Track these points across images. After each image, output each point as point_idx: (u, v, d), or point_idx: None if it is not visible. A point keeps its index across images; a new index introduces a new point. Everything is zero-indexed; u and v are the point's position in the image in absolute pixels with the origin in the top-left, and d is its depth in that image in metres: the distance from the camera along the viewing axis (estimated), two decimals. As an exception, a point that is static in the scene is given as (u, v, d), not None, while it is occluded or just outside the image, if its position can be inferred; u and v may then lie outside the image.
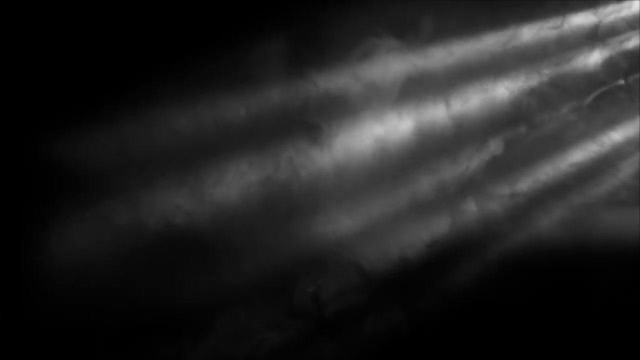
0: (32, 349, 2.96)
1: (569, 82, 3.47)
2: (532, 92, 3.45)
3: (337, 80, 3.25)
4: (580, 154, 3.46)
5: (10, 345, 2.95)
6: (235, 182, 3.18)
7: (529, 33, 3.42)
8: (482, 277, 3.34)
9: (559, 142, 3.47)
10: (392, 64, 3.30)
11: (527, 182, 3.43)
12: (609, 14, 3.49)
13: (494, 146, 3.41)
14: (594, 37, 3.49)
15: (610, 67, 3.51)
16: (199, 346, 3.10)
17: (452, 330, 3.28)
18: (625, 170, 3.48)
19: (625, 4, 3.49)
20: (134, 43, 3.10)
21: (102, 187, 3.07)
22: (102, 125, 3.08)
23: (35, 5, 3.04)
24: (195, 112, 3.15)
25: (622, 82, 3.50)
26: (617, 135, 3.49)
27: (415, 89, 3.34)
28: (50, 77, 3.06)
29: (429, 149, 3.33)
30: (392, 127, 3.30)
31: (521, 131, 3.45)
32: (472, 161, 3.38)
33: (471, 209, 3.37)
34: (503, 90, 3.42)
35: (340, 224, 3.25)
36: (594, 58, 3.49)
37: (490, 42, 3.40)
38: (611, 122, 3.47)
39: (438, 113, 3.34)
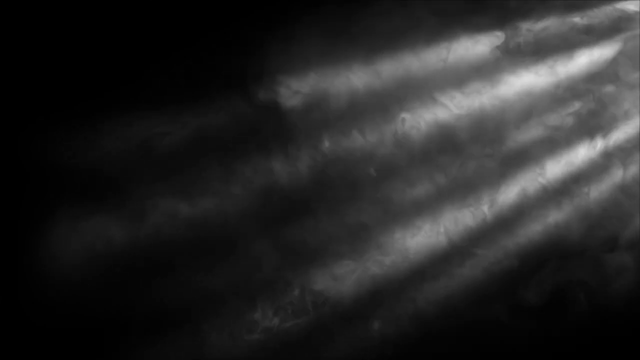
0: (32, 349, 2.97)
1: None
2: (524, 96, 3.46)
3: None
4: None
5: (10, 345, 2.96)
6: (236, 183, 3.19)
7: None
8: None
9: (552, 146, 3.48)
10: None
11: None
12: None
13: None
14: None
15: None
16: (197, 346, 3.12)
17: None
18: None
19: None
20: (133, 42, 3.11)
21: (102, 187, 3.08)
22: (101, 125, 3.08)
23: (33, 4, 3.04)
24: (196, 112, 3.16)
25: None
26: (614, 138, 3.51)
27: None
28: (50, 77, 3.06)
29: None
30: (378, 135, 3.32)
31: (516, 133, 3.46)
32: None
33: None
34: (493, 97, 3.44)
35: (335, 226, 3.27)
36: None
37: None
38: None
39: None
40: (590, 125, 3.48)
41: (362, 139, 3.28)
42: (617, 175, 3.47)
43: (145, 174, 3.11)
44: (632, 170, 3.46)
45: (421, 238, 3.30)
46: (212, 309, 3.13)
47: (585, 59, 3.46)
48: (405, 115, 3.32)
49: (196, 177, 3.15)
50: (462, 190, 3.34)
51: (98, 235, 3.05)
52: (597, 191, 3.44)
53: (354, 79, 3.28)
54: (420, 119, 3.33)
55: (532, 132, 3.42)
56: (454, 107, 3.35)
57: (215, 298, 3.13)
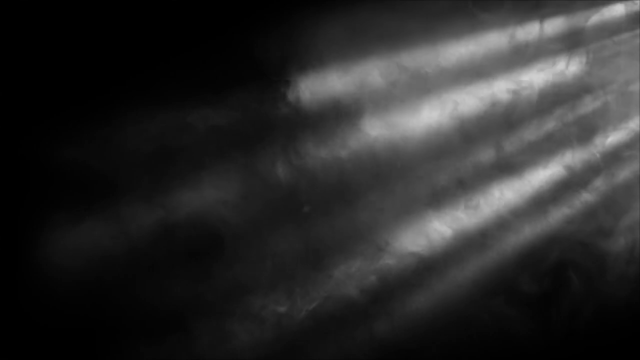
0: (32, 349, 2.99)
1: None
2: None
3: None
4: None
5: (10, 345, 2.97)
6: (232, 183, 3.19)
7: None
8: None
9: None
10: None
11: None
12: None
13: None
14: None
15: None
16: (193, 347, 3.14)
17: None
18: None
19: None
20: (137, 44, 3.11)
21: (102, 187, 3.09)
22: (101, 125, 3.09)
23: (34, 5, 3.04)
24: (200, 113, 3.16)
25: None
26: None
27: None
28: (50, 77, 3.06)
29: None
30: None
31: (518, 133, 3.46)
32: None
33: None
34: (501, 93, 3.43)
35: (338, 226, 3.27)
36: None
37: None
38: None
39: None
40: (591, 123, 3.49)
41: (369, 136, 3.28)
42: (617, 172, 3.48)
43: (145, 175, 3.11)
44: (633, 167, 3.47)
45: (421, 236, 3.31)
46: (208, 312, 3.13)
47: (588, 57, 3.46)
48: (425, 108, 3.32)
49: (195, 177, 3.16)
50: (464, 185, 3.35)
51: (97, 236, 3.06)
52: (597, 186, 3.45)
53: (371, 73, 3.26)
54: (438, 112, 3.33)
55: (535, 128, 3.42)
56: (469, 100, 3.36)
57: (212, 300, 3.13)
